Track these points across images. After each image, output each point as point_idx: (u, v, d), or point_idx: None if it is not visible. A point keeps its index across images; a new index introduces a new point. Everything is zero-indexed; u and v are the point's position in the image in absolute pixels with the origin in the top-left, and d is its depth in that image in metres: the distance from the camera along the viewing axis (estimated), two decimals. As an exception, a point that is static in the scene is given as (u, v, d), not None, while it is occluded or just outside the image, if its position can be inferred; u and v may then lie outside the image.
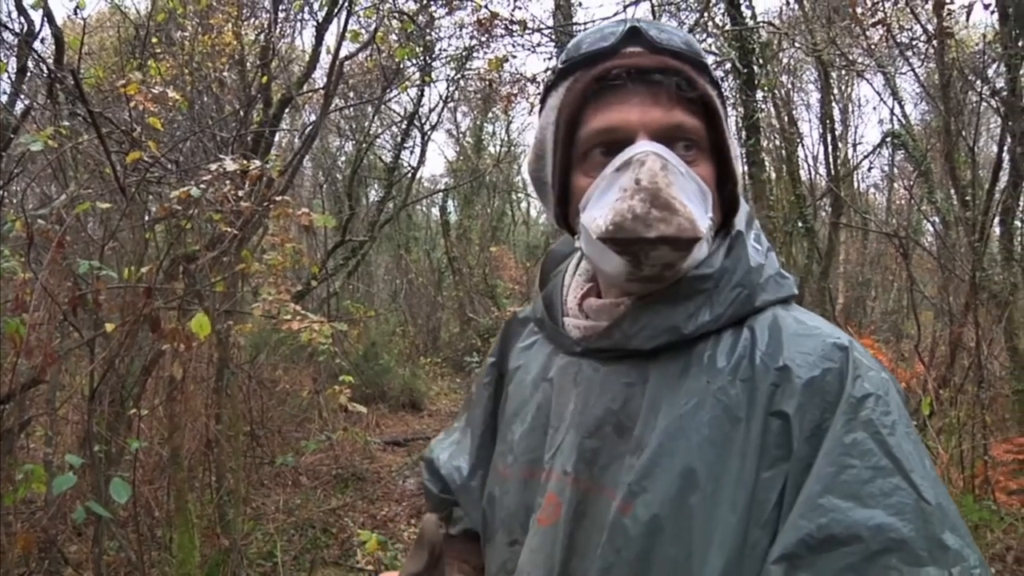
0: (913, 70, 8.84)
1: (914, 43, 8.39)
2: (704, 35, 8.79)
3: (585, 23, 8.73)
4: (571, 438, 0.91)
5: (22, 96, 5.97)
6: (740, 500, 0.80)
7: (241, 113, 5.58)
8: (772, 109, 10.55)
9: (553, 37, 8.75)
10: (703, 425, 0.83)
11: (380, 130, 13.79)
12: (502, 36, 8.66)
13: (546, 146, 0.96)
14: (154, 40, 6.12)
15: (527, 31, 7.82)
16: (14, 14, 4.46)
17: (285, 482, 6.40)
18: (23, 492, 2.90)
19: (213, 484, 4.40)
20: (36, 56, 5.18)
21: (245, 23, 6.71)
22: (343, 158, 15.10)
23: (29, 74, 5.86)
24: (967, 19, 6.33)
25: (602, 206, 0.85)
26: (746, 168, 8.45)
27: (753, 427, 0.82)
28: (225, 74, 6.20)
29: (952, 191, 7.78)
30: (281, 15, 7.04)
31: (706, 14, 8.11)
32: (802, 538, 0.74)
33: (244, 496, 4.75)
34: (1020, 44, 6.00)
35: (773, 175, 10.78)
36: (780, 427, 0.81)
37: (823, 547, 0.73)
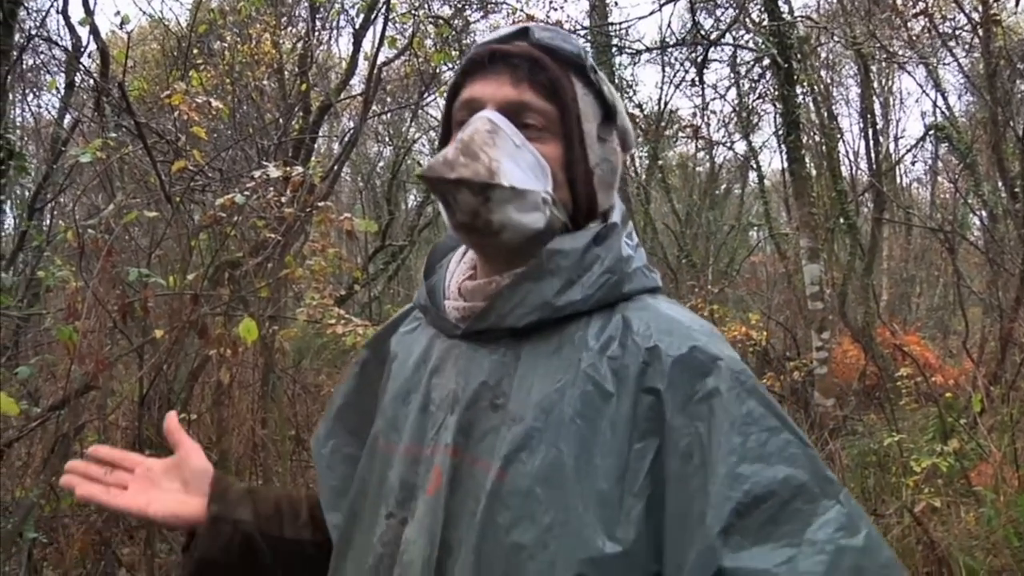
0: (957, 60, 8.68)
1: (958, 32, 8.24)
2: (742, 32, 8.72)
3: (621, 23, 8.72)
4: (454, 415, 0.96)
5: (71, 110, 6.12)
6: (612, 469, 0.86)
7: (281, 121, 5.66)
8: (811, 105, 10.44)
9: (590, 38, 8.74)
10: (575, 399, 0.89)
11: (418, 135, 13.89)
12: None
13: (441, 116, 1.08)
14: (195, 51, 6.23)
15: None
16: (63, 31, 4.56)
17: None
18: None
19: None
20: (84, 70, 5.31)
21: (283, 32, 6.80)
22: (381, 163, 15.23)
23: (76, 88, 6.01)
24: (1017, 4, 6.21)
25: None
26: (787, 164, 8.36)
27: (624, 402, 0.88)
28: (265, 83, 6.29)
29: (1000, 183, 7.62)
30: (318, 23, 7.13)
31: (743, 10, 8.03)
32: (734, 507, 0.81)
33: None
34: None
35: (814, 172, 10.65)
36: (651, 402, 0.87)
37: (748, 510, 0.81)
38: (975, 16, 7.21)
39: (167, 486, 1.13)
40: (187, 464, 1.13)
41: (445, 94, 1.07)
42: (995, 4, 6.45)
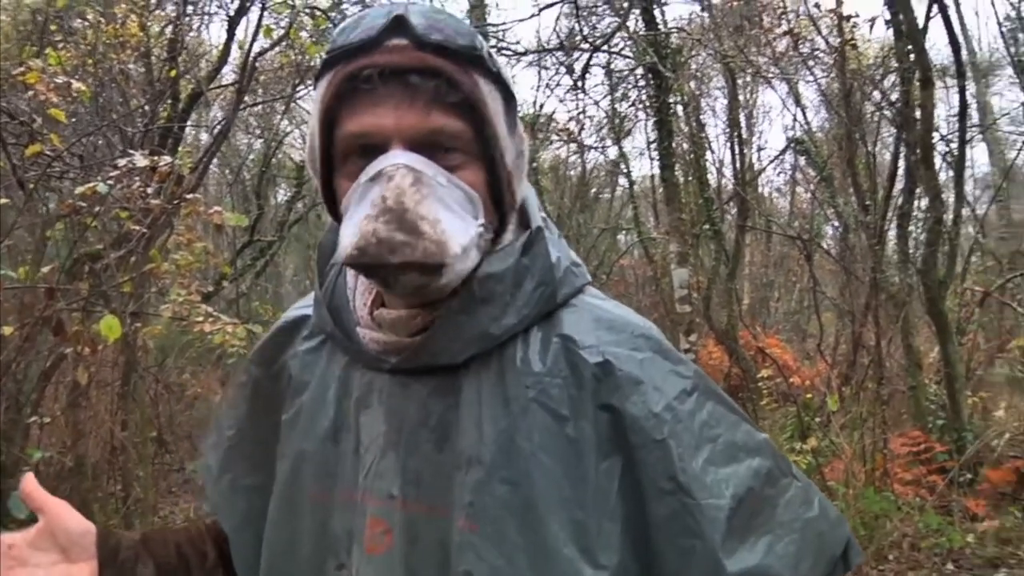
0: (816, 79, 9.18)
1: (816, 53, 8.72)
2: (618, 41, 8.91)
3: (499, 25, 8.75)
4: (390, 460, 0.87)
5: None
6: (583, 496, 0.81)
7: (148, 108, 5.38)
8: (681, 114, 10.79)
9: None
10: (531, 431, 0.82)
11: (290, 128, 13.52)
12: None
13: (314, 142, 0.88)
14: (53, 28, 5.84)
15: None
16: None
17: (195, 489, 6.21)
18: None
19: (119, 493, 4.22)
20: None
21: (151, 14, 6.47)
22: (251, 157, 14.74)
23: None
24: (871, 30, 6.61)
25: (353, 224, 0.79)
26: (659, 171, 8.62)
27: (581, 424, 0.83)
28: (131, 67, 5.96)
29: (852, 196, 8.10)
30: (189, 7, 6.82)
31: (625, 18, 8.23)
32: (726, 516, 0.81)
33: (153, 505, 4.57)
34: (911, 59, 6.29)
35: (682, 179, 11.03)
36: (609, 419, 0.83)
37: (736, 512, 0.82)
38: (832, 41, 7.65)
39: (42, 560, 0.92)
40: (60, 528, 0.93)
41: (319, 118, 0.85)
42: (852, 29, 6.85)
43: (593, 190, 16.83)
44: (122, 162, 3.26)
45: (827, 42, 7.91)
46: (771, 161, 13.87)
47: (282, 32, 6.36)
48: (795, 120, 13.48)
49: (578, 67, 9.00)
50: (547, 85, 9.42)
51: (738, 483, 0.84)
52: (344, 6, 9.21)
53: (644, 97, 10.22)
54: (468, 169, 0.83)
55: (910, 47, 6.30)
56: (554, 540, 0.80)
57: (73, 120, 5.03)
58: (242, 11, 5.95)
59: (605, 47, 8.80)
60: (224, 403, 1.14)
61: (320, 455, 0.93)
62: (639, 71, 9.48)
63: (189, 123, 6.62)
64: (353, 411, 0.92)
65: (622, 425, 0.82)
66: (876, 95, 8.24)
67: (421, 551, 0.84)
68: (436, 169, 0.80)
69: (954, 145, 7.77)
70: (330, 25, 8.46)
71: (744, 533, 0.82)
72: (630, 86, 11.23)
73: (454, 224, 0.79)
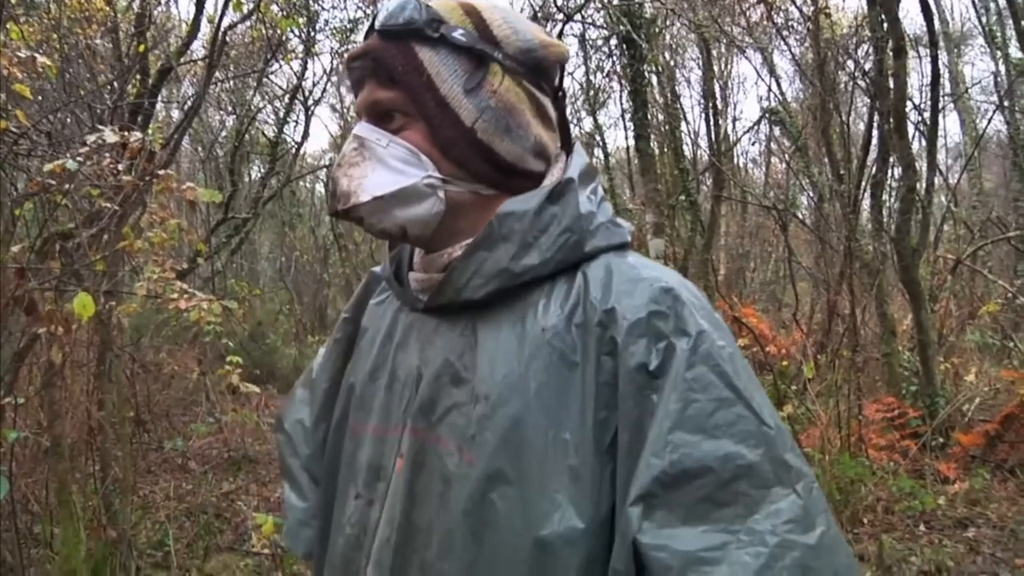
0: (790, 49, 9.18)
1: (791, 23, 8.71)
2: (591, 11, 8.86)
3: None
4: (411, 392, 0.96)
5: None
6: (583, 442, 0.83)
7: (116, 84, 5.28)
8: (655, 84, 10.78)
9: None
10: (539, 372, 0.86)
11: (263, 104, 13.36)
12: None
13: None
14: (13, 1, 5.70)
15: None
16: None
17: (174, 468, 6.18)
18: None
19: (97, 473, 4.19)
20: None
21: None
22: (224, 133, 14.56)
23: None
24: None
25: None
26: (634, 142, 8.62)
27: (588, 370, 0.85)
28: (98, 42, 5.84)
29: (827, 166, 8.15)
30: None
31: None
32: (656, 476, 0.77)
33: (132, 484, 4.55)
34: (885, 28, 6.31)
35: (657, 150, 11.04)
36: (611, 368, 0.84)
37: (677, 483, 0.76)
38: (805, 10, 7.65)
39: None
40: None
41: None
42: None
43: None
44: (91, 138, 3.21)
45: (800, 11, 7.91)
46: (746, 131, 13.93)
47: (251, 6, 6.26)
48: (770, 90, 13.49)
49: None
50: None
51: (690, 455, 0.77)
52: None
53: (619, 68, 10.20)
54: (410, 129, 0.95)
55: (883, 16, 6.31)
56: (546, 482, 0.82)
57: (39, 98, 4.93)
58: (211, -16, 5.83)
59: (579, 16, 8.75)
60: (319, 358, 1.24)
61: (360, 390, 1.05)
62: (613, 41, 9.44)
63: (160, 99, 6.51)
64: (393, 351, 1.03)
65: (616, 377, 0.84)
66: (850, 65, 8.27)
67: (425, 478, 0.90)
68: (379, 133, 0.96)
69: (927, 114, 7.83)
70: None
71: (692, 515, 0.76)
72: (604, 56, 11.20)
73: (379, 179, 0.94)
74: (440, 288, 0.96)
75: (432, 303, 0.98)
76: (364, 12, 9.76)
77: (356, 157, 0.95)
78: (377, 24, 0.96)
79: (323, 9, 10.25)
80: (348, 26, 10.72)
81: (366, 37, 0.99)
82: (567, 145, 1.03)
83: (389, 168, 0.94)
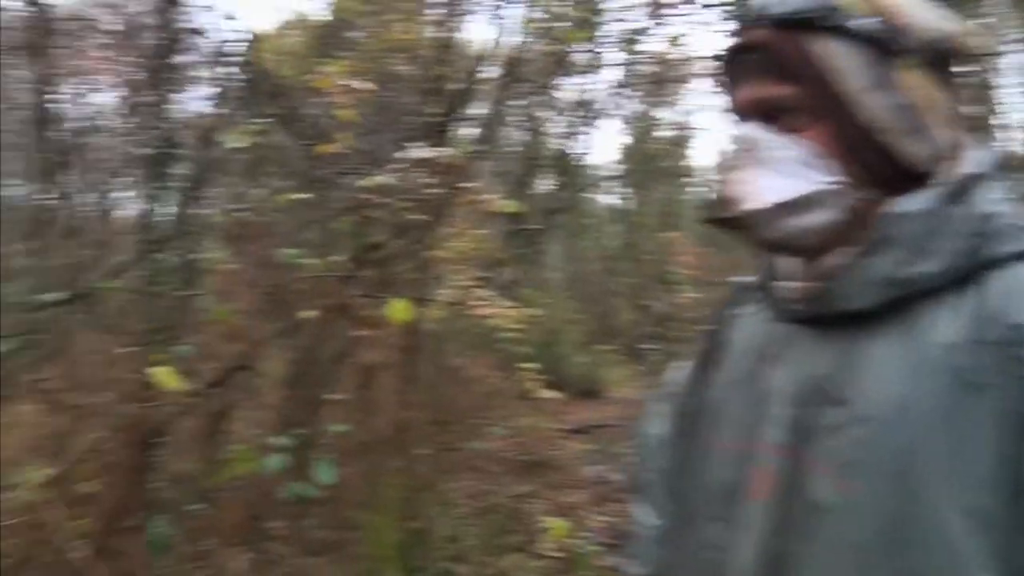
0: None
1: None
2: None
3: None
4: (780, 409, 0.87)
5: (222, 101, 6.34)
6: (990, 479, 0.71)
7: (423, 105, 5.69)
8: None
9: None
10: (934, 394, 0.75)
11: (551, 117, 13.77)
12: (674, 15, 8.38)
13: None
14: (333, 41, 6.32)
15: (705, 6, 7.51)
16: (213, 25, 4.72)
17: (471, 468, 6.45)
18: (240, 470, 3.05)
19: (404, 469, 4.48)
20: (231, 61, 5.47)
21: (421, 17, 6.82)
22: (516, 147, 15.20)
23: (225, 81, 6.22)
24: None
25: None
26: None
27: (994, 394, 0.73)
28: (402, 68, 6.33)
29: None
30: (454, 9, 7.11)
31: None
32: None
33: (433, 481, 4.82)
34: None
35: None
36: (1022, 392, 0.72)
37: None
38: None
39: None
40: None
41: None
42: None
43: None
44: (411, 154, 3.45)
45: None
46: None
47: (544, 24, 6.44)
48: None
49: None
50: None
51: None
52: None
53: None
54: (811, 128, 0.86)
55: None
56: (942, 521, 0.72)
57: (360, 122, 5.42)
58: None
59: None
60: (677, 371, 1.19)
61: (721, 405, 0.99)
62: None
63: (462, 117, 6.92)
64: (760, 365, 0.95)
65: None
66: None
67: (797, 505, 0.82)
68: (770, 136, 0.87)
69: None
70: (591, 13, 8.47)
71: None
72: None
73: (773, 185, 0.85)
74: (821, 298, 0.87)
75: (809, 313, 0.89)
76: (645, 23, 9.67)
77: (745, 160, 0.87)
78: (769, 13, 0.88)
79: (605, 22, 10.31)
80: (632, 36, 10.71)
81: (743, 29, 0.90)
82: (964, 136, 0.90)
83: (785, 172, 0.86)
